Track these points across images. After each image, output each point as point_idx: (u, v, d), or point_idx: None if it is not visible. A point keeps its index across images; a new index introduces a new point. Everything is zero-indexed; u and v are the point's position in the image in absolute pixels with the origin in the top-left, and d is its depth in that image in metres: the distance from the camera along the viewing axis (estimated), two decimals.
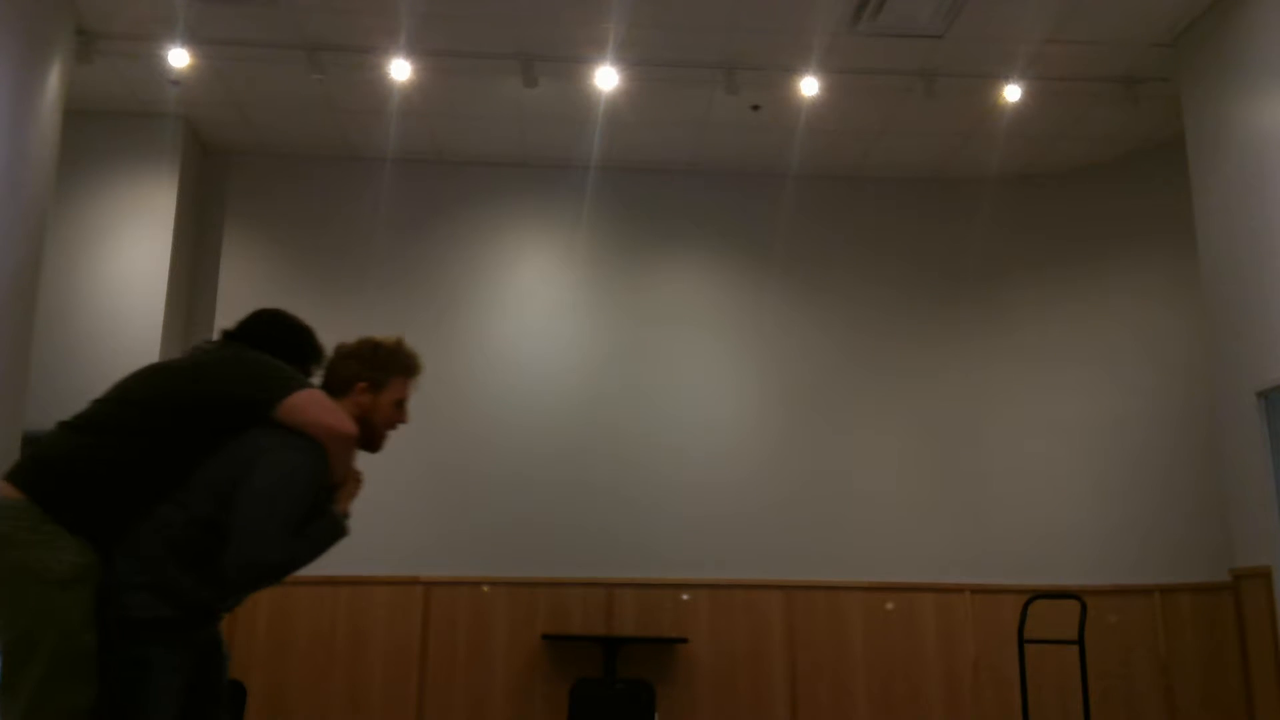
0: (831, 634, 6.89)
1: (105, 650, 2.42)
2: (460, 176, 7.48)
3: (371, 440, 2.79)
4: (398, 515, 6.76)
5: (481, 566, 6.84)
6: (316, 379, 2.81)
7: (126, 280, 6.70)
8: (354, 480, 2.75)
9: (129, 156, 6.87)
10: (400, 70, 6.23)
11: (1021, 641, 5.77)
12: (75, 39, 5.88)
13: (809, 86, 6.38)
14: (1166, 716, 6.56)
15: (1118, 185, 7.35)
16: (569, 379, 7.20)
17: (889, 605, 6.95)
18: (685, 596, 6.88)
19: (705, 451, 7.15)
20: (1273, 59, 5.22)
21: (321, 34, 6.05)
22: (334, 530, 2.62)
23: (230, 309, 7.13)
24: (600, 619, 6.82)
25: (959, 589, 7.01)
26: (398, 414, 2.80)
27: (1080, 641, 5.67)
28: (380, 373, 2.77)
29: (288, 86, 6.56)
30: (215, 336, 2.85)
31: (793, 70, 6.33)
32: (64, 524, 2.42)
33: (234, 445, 2.56)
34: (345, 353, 2.80)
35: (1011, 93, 6.46)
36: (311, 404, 2.60)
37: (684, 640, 6.65)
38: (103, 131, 6.86)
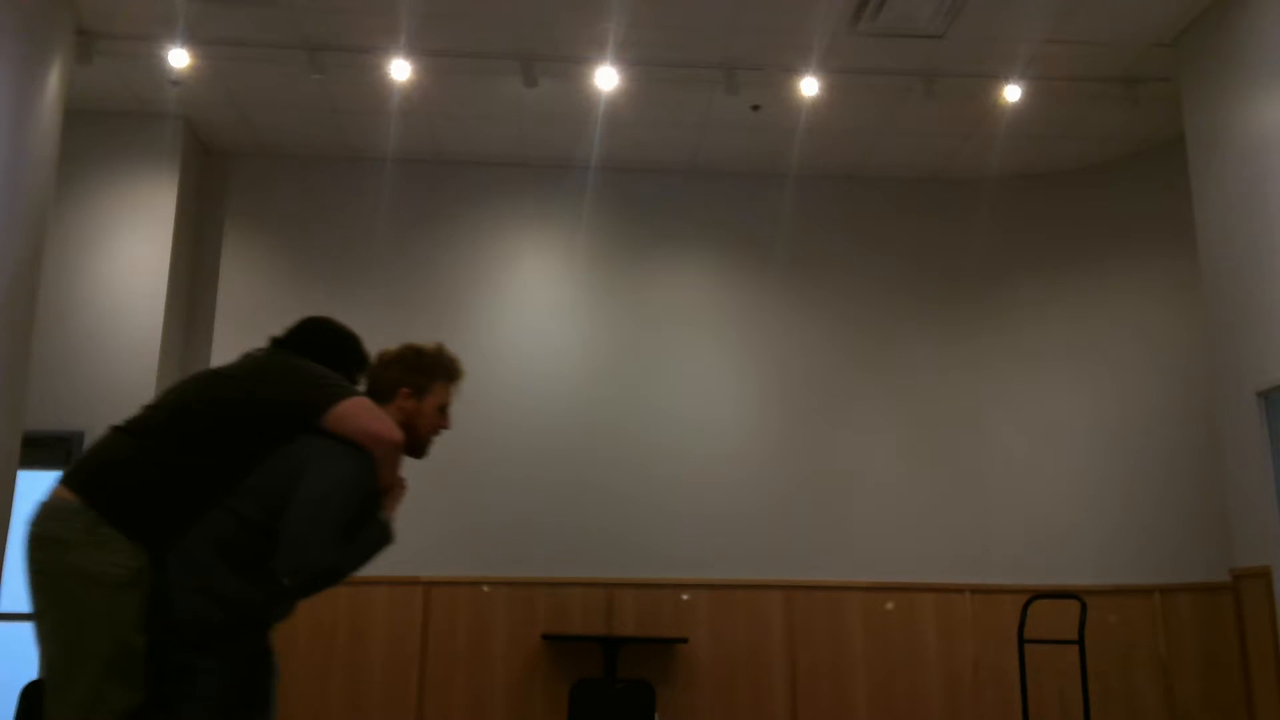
0: (831, 634, 6.89)
1: (151, 654, 2.44)
2: (460, 176, 7.48)
3: (416, 446, 2.82)
4: (398, 515, 6.75)
5: (481, 566, 6.85)
6: (361, 386, 2.83)
7: (126, 280, 6.71)
8: (399, 487, 2.77)
9: (129, 156, 6.87)
10: (400, 70, 6.23)
11: (1021, 641, 5.77)
12: (75, 39, 5.88)
13: (809, 86, 6.38)
14: (1166, 716, 6.56)
15: (1118, 185, 7.35)
16: (569, 378, 7.20)
17: (889, 605, 6.95)
18: (685, 596, 6.88)
19: (705, 451, 7.16)
20: (1273, 59, 5.22)
21: (321, 34, 6.05)
22: (382, 536, 2.64)
23: (230, 309, 7.14)
24: (600, 619, 6.82)
25: (959, 589, 7.01)
26: (441, 419, 2.83)
27: (1080, 641, 5.68)
28: (423, 378, 2.80)
29: (288, 86, 6.56)
30: (264, 343, 2.88)
31: (793, 70, 6.34)
32: (119, 527, 2.44)
33: (283, 451, 2.58)
34: (388, 359, 2.83)
35: (1011, 93, 6.46)
36: (359, 411, 2.63)
37: (684, 640, 6.65)
38: (103, 131, 6.86)
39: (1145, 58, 6.21)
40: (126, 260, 6.74)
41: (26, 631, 6.48)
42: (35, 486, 6.77)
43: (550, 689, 6.65)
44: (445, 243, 7.37)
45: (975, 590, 7.01)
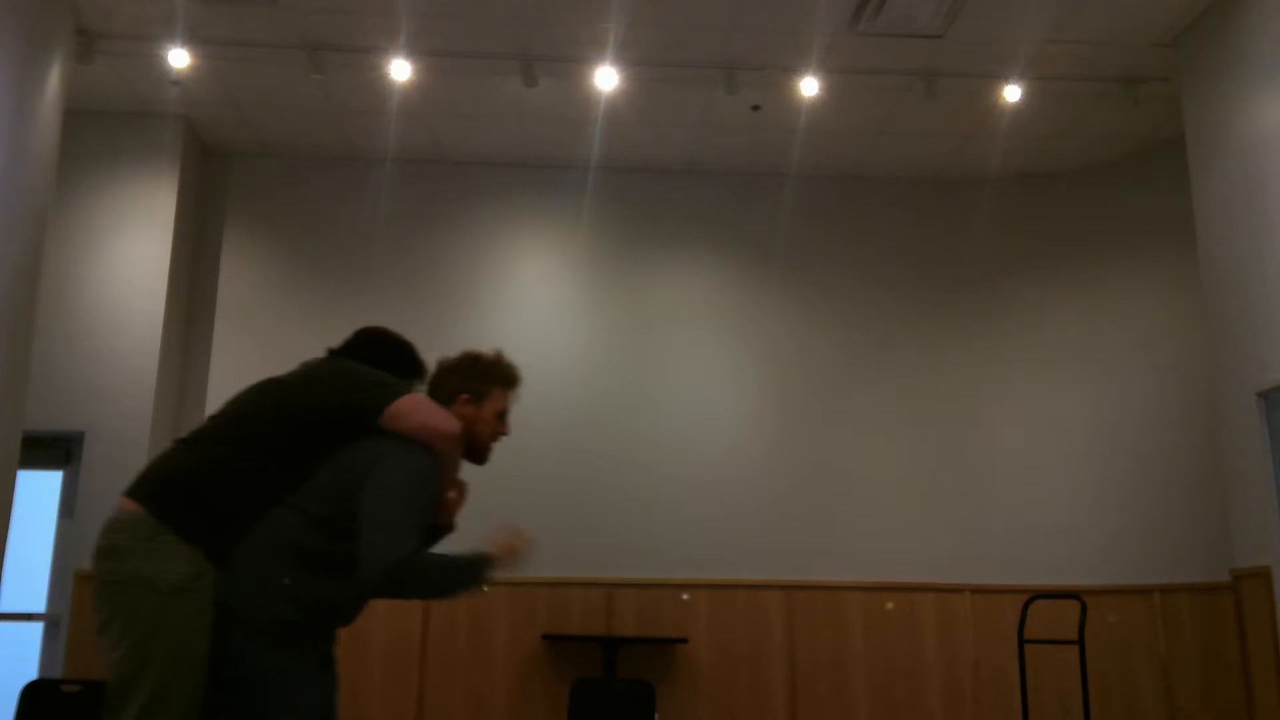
0: (831, 634, 6.89)
1: (229, 658, 2.46)
2: (460, 176, 7.48)
3: (477, 452, 2.84)
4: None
5: None
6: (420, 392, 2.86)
7: (126, 280, 6.71)
8: (460, 492, 2.79)
9: (129, 156, 6.87)
10: (400, 70, 6.23)
11: (1021, 641, 5.77)
12: (75, 39, 5.88)
13: (809, 86, 6.38)
14: (1166, 716, 6.56)
15: (1118, 185, 7.35)
16: (569, 378, 7.20)
17: (889, 605, 6.95)
18: (685, 596, 6.88)
19: (705, 451, 7.16)
20: (1273, 59, 5.22)
21: (321, 34, 6.05)
22: (473, 576, 2.62)
23: (230, 309, 7.14)
24: (600, 619, 6.82)
25: (959, 589, 7.01)
26: (500, 425, 2.85)
27: (1080, 641, 5.67)
28: (481, 384, 2.83)
29: (288, 86, 6.56)
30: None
31: (793, 70, 6.34)
32: (180, 534, 2.48)
33: (346, 453, 2.62)
34: (447, 367, 2.86)
35: (1011, 93, 6.46)
36: (415, 408, 2.66)
37: (684, 640, 6.65)
38: (103, 131, 6.86)
39: (1145, 58, 6.21)
40: (126, 260, 6.74)
41: (27, 631, 6.50)
42: (35, 486, 6.79)
43: (550, 689, 6.66)
44: (445, 243, 7.37)
45: (975, 590, 7.01)
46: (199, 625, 2.44)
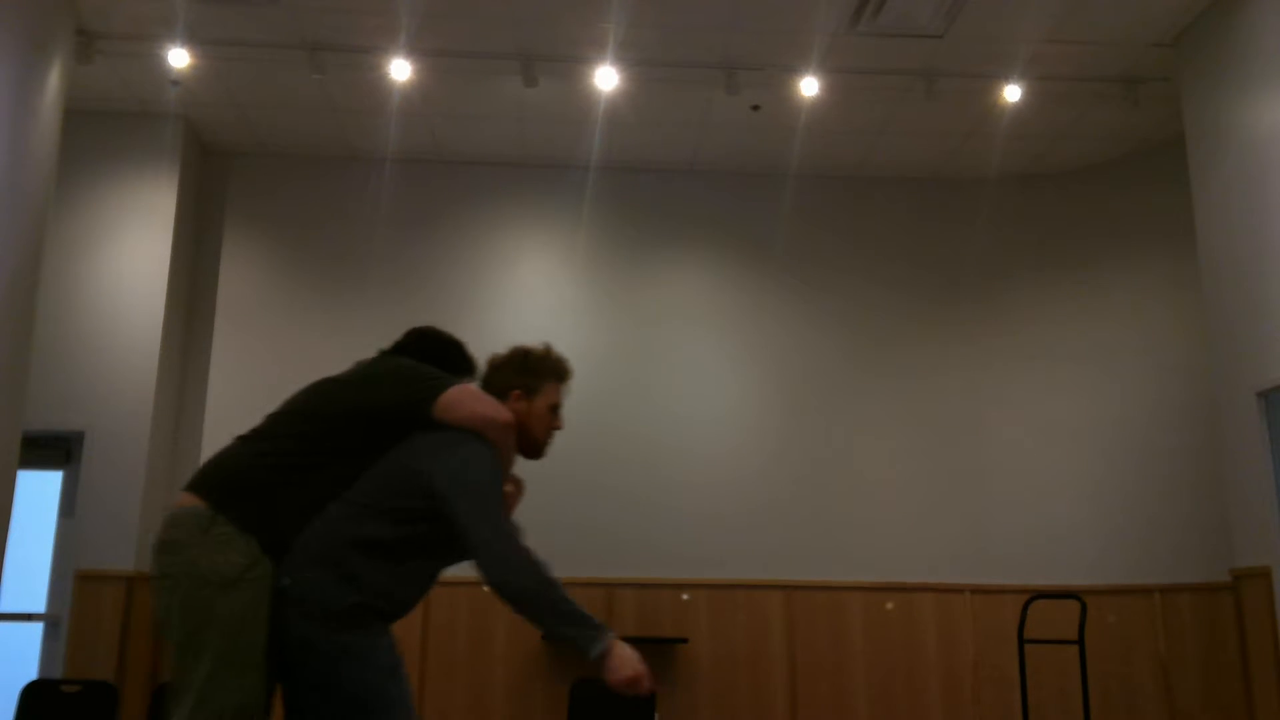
0: (831, 634, 6.89)
1: (291, 648, 2.49)
2: (460, 176, 7.48)
3: (532, 447, 2.84)
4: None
5: None
6: None
7: (126, 280, 6.71)
8: (517, 487, 2.81)
9: (129, 156, 6.87)
10: (400, 70, 6.23)
11: (1021, 641, 5.77)
12: (75, 39, 5.87)
13: (809, 86, 6.38)
14: (1166, 716, 6.56)
15: (1118, 185, 7.35)
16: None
17: (889, 605, 6.95)
18: (685, 596, 6.88)
19: (705, 451, 7.16)
20: (1273, 59, 5.22)
21: (321, 34, 6.05)
22: (578, 622, 2.60)
23: (230, 309, 7.14)
24: (600, 619, 6.81)
25: (959, 589, 7.01)
26: (553, 419, 2.85)
27: (1080, 641, 5.67)
28: (533, 379, 2.83)
29: (288, 86, 6.56)
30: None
31: (793, 70, 6.34)
32: (235, 523, 2.53)
33: (402, 446, 2.65)
34: (497, 363, 2.88)
35: (1011, 93, 6.46)
36: (464, 397, 2.69)
37: (684, 640, 6.65)
38: (103, 131, 6.86)
39: (1145, 58, 6.21)
40: (126, 260, 6.74)
41: (26, 631, 6.50)
42: (35, 486, 6.79)
43: (550, 689, 6.66)
44: (445, 243, 7.37)
45: (975, 590, 7.01)
46: (253, 616, 2.48)
